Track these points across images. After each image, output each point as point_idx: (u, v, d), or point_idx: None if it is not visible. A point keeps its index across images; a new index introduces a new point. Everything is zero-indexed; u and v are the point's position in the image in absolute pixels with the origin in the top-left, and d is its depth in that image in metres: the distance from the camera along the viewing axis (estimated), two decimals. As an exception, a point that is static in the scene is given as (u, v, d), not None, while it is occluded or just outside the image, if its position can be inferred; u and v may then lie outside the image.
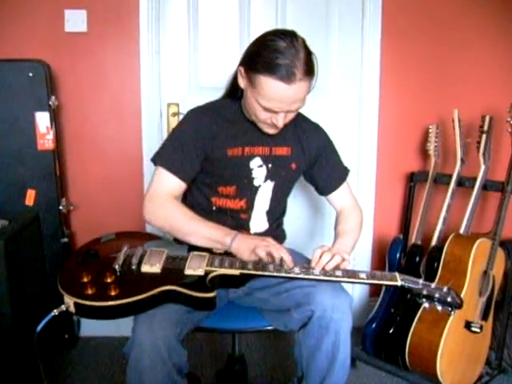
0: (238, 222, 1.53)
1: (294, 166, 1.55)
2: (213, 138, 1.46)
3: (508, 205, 1.96)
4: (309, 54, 1.32)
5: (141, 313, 1.23)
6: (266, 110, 1.35)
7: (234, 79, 1.46)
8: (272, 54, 1.28)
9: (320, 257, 1.30)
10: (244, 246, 1.32)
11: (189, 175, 1.46)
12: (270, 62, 1.28)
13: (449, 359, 1.85)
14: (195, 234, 1.38)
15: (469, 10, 2.21)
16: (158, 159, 1.46)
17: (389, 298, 2.09)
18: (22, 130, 1.98)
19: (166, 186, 1.44)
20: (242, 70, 1.38)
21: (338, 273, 1.29)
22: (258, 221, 1.56)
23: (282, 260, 1.29)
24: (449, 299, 1.24)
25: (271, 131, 1.45)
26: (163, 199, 1.42)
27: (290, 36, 1.30)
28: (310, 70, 1.31)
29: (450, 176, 2.09)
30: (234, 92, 1.50)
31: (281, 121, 1.37)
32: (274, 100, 1.32)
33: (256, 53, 1.33)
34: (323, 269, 1.29)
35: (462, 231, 2.00)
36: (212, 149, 1.46)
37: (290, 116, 1.40)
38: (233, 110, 1.51)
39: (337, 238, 1.52)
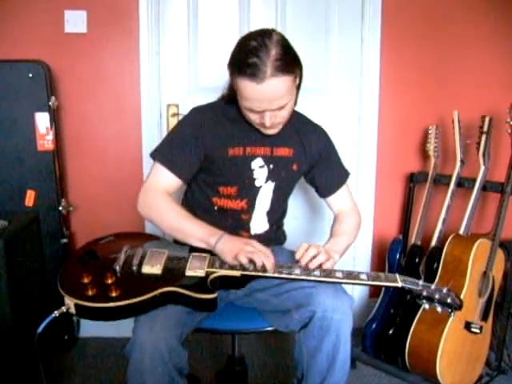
0: (238, 222, 1.53)
1: (295, 167, 1.55)
2: (214, 137, 1.46)
3: (507, 205, 1.96)
4: (284, 50, 1.30)
5: (142, 314, 1.23)
6: (249, 110, 1.36)
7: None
8: (242, 54, 1.30)
9: (306, 250, 1.31)
10: (228, 249, 1.32)
11: (186, 173, 1.47)
12: (240, 63, 1.30)
13: (448, 360, 1.85)
14: (182, 230, 1.39)
15: (468, 10, 2.21)
16: (155, 154, 1.48)
17: (389, 299, 2.09)
18: (21, 130, 1.98)
19: (162, 181, 1.45)
20: (229, 72, 1.39)
21: (339, 274, 1.29)
22: (259, 221, 1.56)
23: (263, 266, 1.29)
24: (449, 300, 1.24)
25: (268, 132, 1.45)
26: (156, 194, 1.43)
27: (262, 35, 1.30)
28: (282, 66, 1.29)
29: (450, 177, 2.09)
30: (231, 94, 1.50)
31: (267, 120, 1.37)
32: (250, 99, 1.33)
33: (233, 55, 1.36)
34: (306, 266, 1.30)
35: (461, 232, 2.00)
36: (212, 148, 1.47)
37: (281, 115, 1.39)
38: (234, 110, 1.51)
39: (330, 237, 1.52)
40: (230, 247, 1.32)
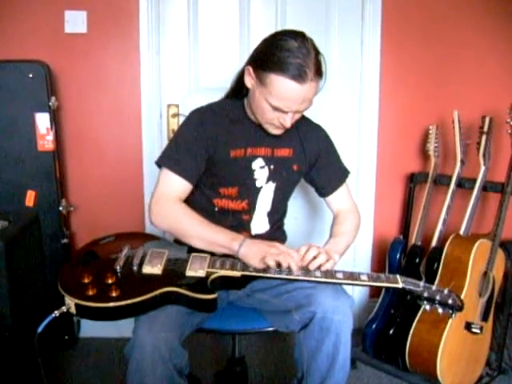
0: (239, 223, 1.53)
1: (295, 167, 1.55)
2: (215, 138, 1.46)
3: (508, 206, 1.96)
4: (318, 55, 1.32)
5: (142, 314, 1.23)
6: (275, 109, 1.35)
7: (240, 78, 1.46)
8: (284, 52, 1.29)
9: (306, 251, 1.31)
10: (253, 253, 1.32)
11: (194, 176, 1.46)
12: (281, 61, 1.28)
13: (449, 360, 1.85)
14: (201, 237, 1.38)
15: (469, 10, 2.21)
16: (162, 161, 1.46)
17: (389, 299, 2.09)
18: (21, 130, 1.98)
19: (172, 187, 1.43)
20: (250, 69, 1.38)
21: (340, 275, 1.29)
22: (259, 222, 1.56)
23: (289, 267, 1.29)
24: (450, 301, 1.24)
25: (277, 132, 1.45)
26: (170, 202, 1.41)
27: (300, 36, 1.31)
28: (319, 71, 1.32)
29: (450, 177, 2.09)
30: (238, 91, 1.50)
31: (289, 121, 1.37)
32: (284, 99, 1.32)
33: (267, 52, 1.33)
34: (306, 266, 1.29)
35: (461, 232, 2.00)
36: (215, 149, 1.46)
37: (297, 116, 1.41)
38: (236, 111, 1.51)
39: (330, 238, 1.52)
40: (255, 251, 1.32)
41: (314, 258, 1.31)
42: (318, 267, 1.30)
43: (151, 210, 1.42)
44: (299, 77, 1.28)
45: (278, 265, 1.29)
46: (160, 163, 1.46)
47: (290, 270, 1.29)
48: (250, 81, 1.40)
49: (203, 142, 1.45)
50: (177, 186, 1.43)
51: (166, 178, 1.44)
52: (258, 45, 1.39)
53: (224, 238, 1.36)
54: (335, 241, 1.49)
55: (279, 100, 1.32)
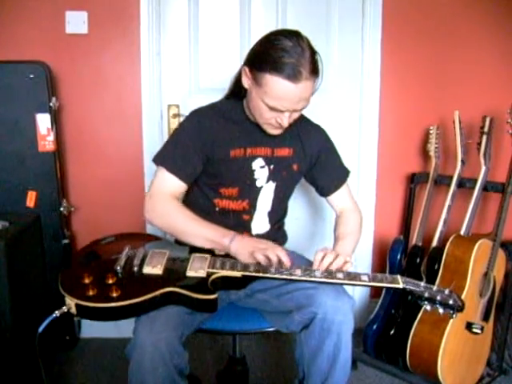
0: (240, 223, 1.53)
1: (295, 166, 1.55)
2: (215, 138, 1.46)
3: (508, 206, 1.96)
4: (313, 54, 1.32)
5: (142, 314, 1.23)
6: (272, 109, 1.35)
7: (238, 79, 1.46)
8: (278, 52, 1.29)
9: (322, 258, 1.31)
10: (242, 249, 1.33)
11: (190, 176, 1.47)
12: (276, 61, 1.28)
13: (450, 360, 1.85)
14: (193, 234, 1.39)
15: (469, 10, 2.21)
16: (159, 159, 1.47)
17: (390, 300, 2.09)
18: (22, 131, 1.98)
19: (167, 186, 1.44)
20: (246, 69, 1.38)
21: (340, 275, 1.29)
22: (260, 222, 1.56)
23: (280, 261, 1.29)
24: (450, 302, 1.24)
25: (275, 132, 1.45)
26: (164, 199, 1.42)
27: (295, 35, 1.31)
28: (315, 69, 1.32)
29: (451, 177, 2.09)
30: (237, 92, 1.51)
31: (286, 120, 1.38)
32: (279, 99, 1.32)
33: (262, 52, 1.34)
34: (325, 270, 1.29)
35: (462, 232, 2.00)
36: (214, 150, 1.47)
37: (295, 116, 1.41)
38: (235, 111, 1.51)
39: (337, 240, 1.52)
40: (245, 246, 1.33)
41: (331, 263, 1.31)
42: (339, 269, 1.30)
43: (145, 206, 1.44)
44: (294, 76, 1.28)
45: (268, 260, 1.30)
46: (156, 161, 1.47)
47: (280, 264, 1.29)
48: (246, 81, 1.40)
49: (201, 142, 1.45)
50: (171, 184, 1.44)
51: (162, 176, 1.45)
52: (254, 45, 1.40)
53: (215, 234, 1.37)
54: (343, 243, 1.49)
55: (275, 100, 1.33)
